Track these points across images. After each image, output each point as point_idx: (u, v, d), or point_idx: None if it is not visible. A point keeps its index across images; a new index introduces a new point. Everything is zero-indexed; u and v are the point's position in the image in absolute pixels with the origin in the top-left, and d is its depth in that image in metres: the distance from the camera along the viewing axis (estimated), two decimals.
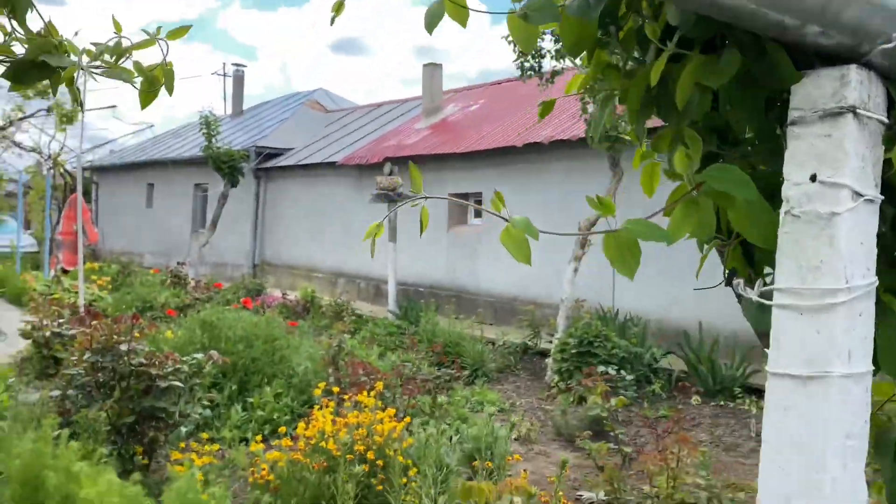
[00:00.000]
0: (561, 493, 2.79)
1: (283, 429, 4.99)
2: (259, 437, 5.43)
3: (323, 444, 3.98)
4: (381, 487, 3.92)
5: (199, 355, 4.95)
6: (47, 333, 5.88)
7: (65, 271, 12.43)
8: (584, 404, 7.04)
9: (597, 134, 7.46)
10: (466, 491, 2.11)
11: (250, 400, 6.40)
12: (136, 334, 4.63)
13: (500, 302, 11.51)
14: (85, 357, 4.58)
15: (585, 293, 8.76)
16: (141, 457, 4.70)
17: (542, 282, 11.02)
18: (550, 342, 8.58)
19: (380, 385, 4.66)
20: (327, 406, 4.40)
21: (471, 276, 12.21)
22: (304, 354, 6.91)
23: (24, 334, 5.91)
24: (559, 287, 10.51)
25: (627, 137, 7.92)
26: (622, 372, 6.25)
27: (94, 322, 4.67)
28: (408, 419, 4.30)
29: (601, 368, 6.03)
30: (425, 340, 8.84)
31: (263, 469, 4.14)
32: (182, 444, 4.82)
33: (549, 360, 8.99)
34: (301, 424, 4.20)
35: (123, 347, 4.60)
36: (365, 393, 4.46)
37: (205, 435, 5.03)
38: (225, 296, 12.09)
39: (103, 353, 4.59)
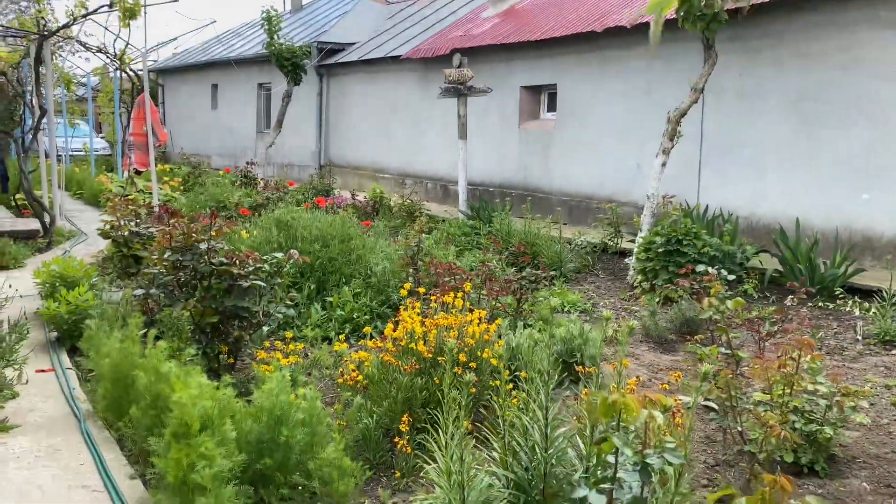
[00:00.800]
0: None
1: (367, 329, 4.86)
2: (342, 337, 5.34)
3: (413, 345, 3.80)
4: (473, 390, 3.75)
5: (279, 254, 4.80)
6: (126, 232, 5.84)
7: (137, 172, 12.53)
8: (672, 305, 6.72)
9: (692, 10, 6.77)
10: (608, 407, 1.86)
11: (329, 299, 6.32)
12: (214, 233, 4.48)
13: (574, 201, 11.08)
14: (165, 256, 4.48)
15: (668, 189, 8.26)
16: (226, 356, 4.66)
17: (619, 178, 10.51)
18: (632, 241, 8.20)
19: (468, 286, 4.44)
20: (413, 307, 4.21)
21: (543, 175, 11.75)
22: (381, 254, 6.75)
23: (103, 234, 5.90)
24: (637, 183, 10.01)
25: (725, 16, 7.16)
26: (723, 271, 5.86)
27: (172, 220, 4.55)
28: (499, 321, 4.07)
29: (700, 268, 5.65)
30: (500, 240, 8.57)
31: (353, 371, 4.01)
32: (266, 344, 4.76)
33: (628, 260, 8.63)
34: (389, 326, 4.03)
35: (203, 246, 4.47)
36: (451, 294, 4.24)
37: (288, 334, 4.96)
38: (294, 196, 12.02)
39: (183, 251, 4.47)
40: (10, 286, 6.61)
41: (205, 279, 4.53)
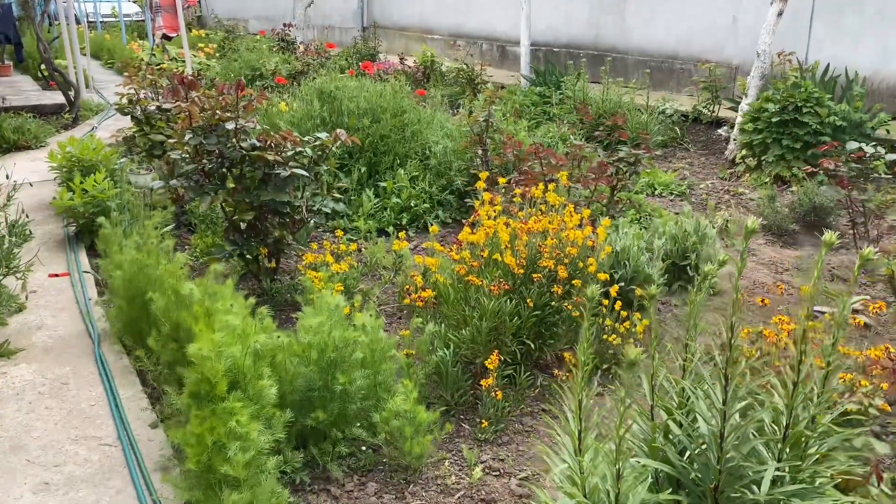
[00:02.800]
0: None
1: (434, 228, 4.01)
2: (402, 235, 4.51)
3: (498, 256, 2.94)
4: (576, 313, 2.92)
5: (323, 134, 3.90)
6: (147, 107, 4.99)
7: (167, 38, 11.51)
8: (785, 186, 5.68)
9: None
10: None
11: (382, 185, 5.46)
12: (244, 107, 3.58)
13: (655, 61, 9.71)
14: (186, 139, 3.63)
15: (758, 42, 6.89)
16: (266, 258, 3.91)
17: (711, 33, 9.06)
18: (731, 109, 7.02)
19: (563, 175, 3.49)
20: (492, 203, 3.32)
21: (618, 31, 10.30)
22: (441, 131, 5.78)
23: (120, 109, 5.08)
24: (731, 40, 8.60)
25: None
26: (879, 148, 4.75)
27: (192, 94, 3.65)
28: (606, 221, 3.16)
29: (853, 145, 4.56)
30: (574, 110, 7.46)
31: (419, 285, 3.20)
32: (314, 246, 3.97)
33: (722, 131, 7.47)
34: (466, 230, 3.16)
35: (229, 126, 3.60)
36: (541, 185, 3.31)
37: (339, 233, 4.14)
38: (336, 62, 10.90)
39: (207, 133, 3.61)
40: (18, 173, 5.91)
41: (235, 167, 3.70)
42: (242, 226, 3.81)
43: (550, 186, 3.36)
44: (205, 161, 3.63)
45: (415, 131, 5.82)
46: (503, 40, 12.40)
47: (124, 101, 5.10)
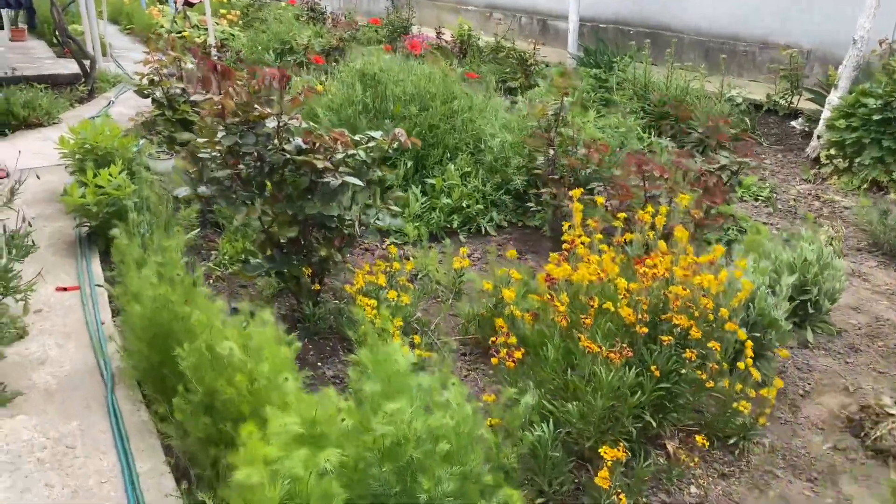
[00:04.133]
0: None
1: (513, 253, 3.39)
2: (464, 251, 3.88)
3: (611, 306, 2.35)
4: (710, 384, 2.32)
5: (377, 134, 3.29)
6: (170, 89, 4.41)
7: (189, 3, 10.84)
8: (886, 193, 5.02)
9: None
10: None
11: (431, 181, 4.85)
12: (289, 102, 2.98)
13: (714, 42, 8.94)
14: (218, 137, 3.03)
15: (842, 28, 6.14)
16: (309, 279, 3.33)
17: (780, 13, 8.28)
18: (814, 100, 6.31)
19: (684, 200, 2.86)
20: (593, 232, 2.71)
21: (672, 6, 9.52)
22: (497, 121, 5.13)
23: (140, 91, 4.49)
24: (804, 20, 7.83)
25: None
26: None
27: (225, 85, 3.04)
28: (719, 249, 2.55)
29: None
30: (633, 95, 6.78)
31: (504, 332, 2.60)
32: (367, 267, 3.37)
33: (797, 124, 6.78)
34: (550, 267, 2.56)
35: (271, 124, 3.00)
36: (649, 209, 2.70)
37: (392, 249, 3.54)
38: (366, 34, 10.21)
39: (243, 131, 3.01)
40: (26, 156, 5.35)
41: (275, 172, 3.10)
42: (282, 240, 3.23)
43: (663, 210, 2.74)
44: (241, 166, 3.04)
45: (466, 120, 5.20)
46: (544, 14, 11.63)
47: (144, 81, 4.50)
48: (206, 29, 10.92)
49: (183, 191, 3.06)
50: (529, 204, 4.69)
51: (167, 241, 2.69)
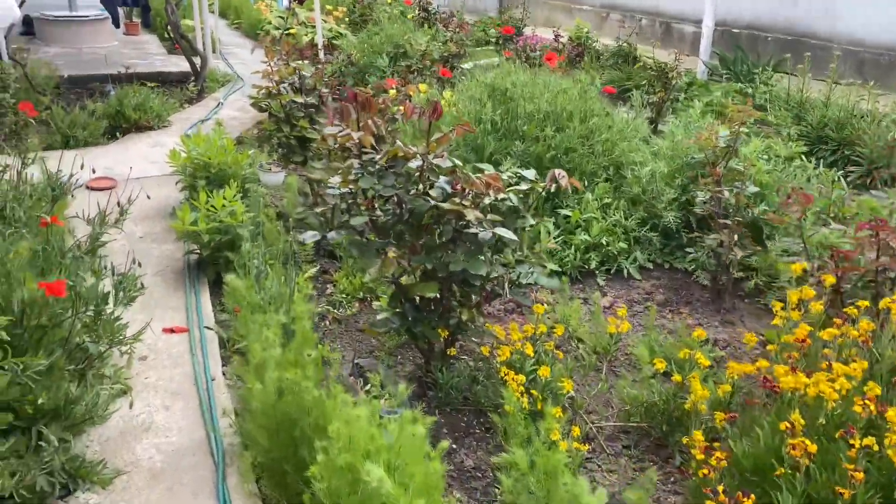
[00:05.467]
0: None
1: (702, 360, 2.81)
2: (597, 297, 3.31)
3: (871, 442, 1.76)
4: None
5: (530, 173, 2.78)
6: (288, 105, 4.06)
7: (299, 0, 10.63)
8: None
9: None
10: None
11: (565, 212, 4.32)
12: (434, 142, 2.51)
13: (871, 52, 7.97)
14: (351, 176, 2.60)
15: None
16: (443, 343, 2.86)
17: None
18: None
19: None
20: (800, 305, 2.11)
21: (821, 11, 8.57)
22: (648, 147, 4.54)
23: (256, 103, 4.15)
24: None
25: None
26: None
27: (364, 117, 2.58)
28: None
29: None
30: (785, 115, 6.01)
31: (710, 451, 2.04)
32: (507, 333, 2.87)
33: None
34: (779, 370, 1.98)
35: (414, 164, 2.54)
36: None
37: (538, 308, 3.02)
38: (474, 35, 9.73)
39: (382, 171, 2.57)
40: (136, 164, 5.12)
41: (412, 217, 2.64)
42: (416, 301, 2.77)
43: None
44: (379, 213, 2.60)
45: (604, 143, 4.63)
46: (668, 16, 10.82)
47: (260, 93, 4.16)
48: (314, 27, 10.71)
49: (310, 236, 2.64)
50: (689, 250, 4.09)
51: (298, 306, 2.26)
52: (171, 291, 3.51)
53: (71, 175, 3.11)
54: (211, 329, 3.18)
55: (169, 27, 9.80)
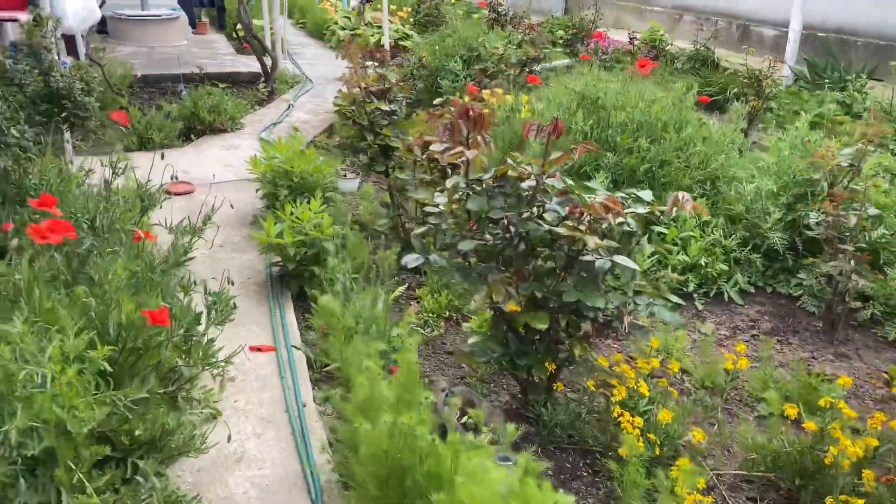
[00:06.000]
0: None
1: (847, 410, 2.56)
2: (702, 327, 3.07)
3: None
4: None
5: (646, 194, 2.57)
6: (372, 114, 3.90)
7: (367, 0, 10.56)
8: None
9: None
10: None
11: (661, 230, 4.07)
12: (547, 163, 2.32)
13: None
14: (456, 195, 2.42)
15: None
16: (545, 377, 2.66)
17: None
18: None
19: None
20: None
21: None
22: (748, 162, 4.26)
23: (341, 111, 4.02)
24: None
25: None
26: None
27: (475, 134, 2.40)
28: None
29: None
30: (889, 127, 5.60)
31: None
32: (619, 358, 2.66)
33: None
34: None
35: (527, 184, 2.35)
36: None
37: (654, 342, 2.79)
38: (544, 33, 9.46)
39: (491, 192, 2.39)
40: (213, 168, 5.05)
41: (525, 244, 2.46)
42: (522, 331, 2.59)
43: None
44: (488, 236, 2.41)
45: (700, 156, 4.36)
46: (746, 18, 10.39)
47: (344, 102, 4.02)
48: (380, 27, 10.60)
49: (413, 259, 2.47)
50: (785, 267, 3.81)
51: (407, 338, 2.10)
52: (255, 305, 3.40)
53: (160, 185, 3.01)
54: (298, 349, 3.04)
55: (238, 25, 9.83)
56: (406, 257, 2.48)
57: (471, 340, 3.17)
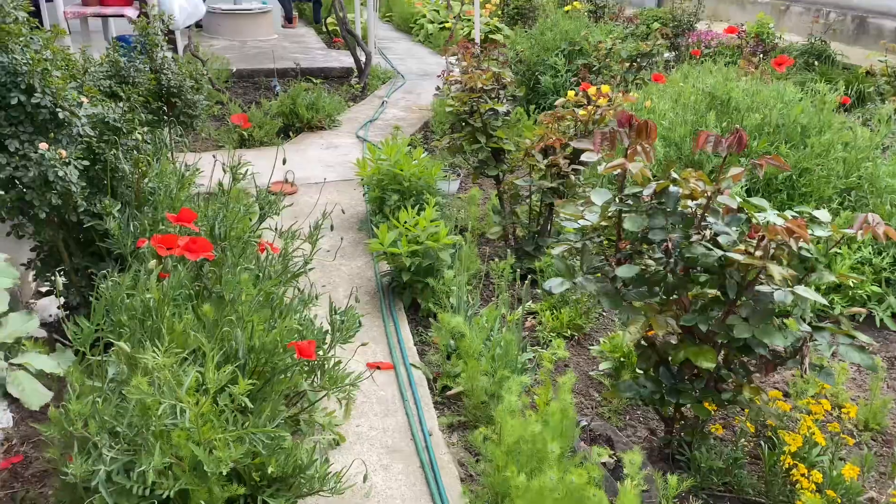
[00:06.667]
0: None
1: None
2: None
3: None
4: None
5: (823, 214, 2.25)
6: (485, 114, 3.67)
7: None
8: None
9: None
10: None
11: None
12: (730, 174, 2.03)
13: None
14: (610, 210, 2.16)
15: None
16: (704, 418, 2.38)
17: None
18: None
19: None
20: None
21: None
22: None
23: (455, 112, 3.80)
24: None
25: None
26: None
27: (637, 143, 2.13)
28: None
29: None
30: None
31: None
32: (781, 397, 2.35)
33: None
34: None
35: (692, 203, 2.07)
36: None
37: (839, 383, 2.47)
38: (638, 28, 9.02)
39: (652, 209, 2.12)
40: (315, 168, 4.92)
41: (686, 267, 2.18)
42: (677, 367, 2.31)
43: None
44: (649, 261, 2.15)
45: (844, 162, 3.96)
46: (864, 10, 9.67)
47: (457, 104, 3.80)
48: (469, 20, 10.36)
49: (557, 284, 2.22)
50: None
51: (549, 367, 1.86)
52: (367, 318, 3.23)
53: (280, 193, 2.86)
54: (418, 368, 2.85)
55: (328, 18, 9.77)
56: (550, 282, 2.24)
57: (602, 366, 2.92)
